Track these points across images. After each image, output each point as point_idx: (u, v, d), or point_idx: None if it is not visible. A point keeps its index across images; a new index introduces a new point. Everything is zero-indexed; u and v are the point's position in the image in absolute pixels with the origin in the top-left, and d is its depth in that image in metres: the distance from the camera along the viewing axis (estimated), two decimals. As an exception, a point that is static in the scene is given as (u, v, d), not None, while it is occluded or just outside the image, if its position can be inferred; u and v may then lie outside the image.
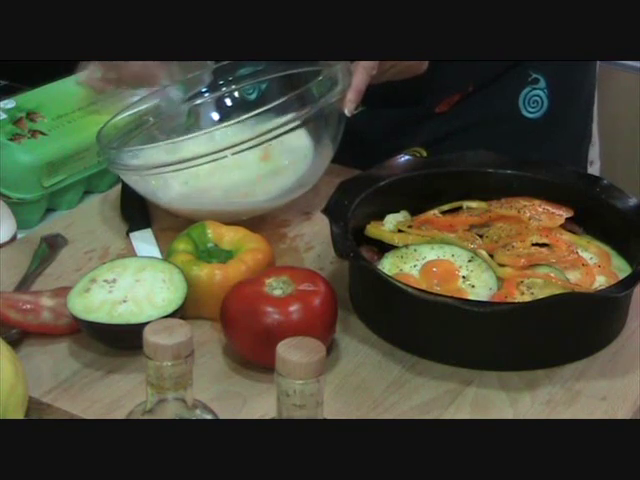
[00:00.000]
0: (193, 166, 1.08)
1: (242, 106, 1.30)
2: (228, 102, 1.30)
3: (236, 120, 1.09)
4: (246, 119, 1.08)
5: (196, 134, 1.12)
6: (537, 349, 0.97)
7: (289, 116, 1.08)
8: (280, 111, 1.09)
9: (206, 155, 1.07)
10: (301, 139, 1.16)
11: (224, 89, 1.29)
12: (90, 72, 1.26)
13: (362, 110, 1.23)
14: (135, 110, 1.23)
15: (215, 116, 1.29)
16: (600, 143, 1.49)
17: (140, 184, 1.15)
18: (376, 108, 1.30)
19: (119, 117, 1.21)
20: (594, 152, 1.46)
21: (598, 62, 1.43)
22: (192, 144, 1.10)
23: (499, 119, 1.32)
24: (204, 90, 1.29)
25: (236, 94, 1.30)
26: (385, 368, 0.97)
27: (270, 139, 1.07)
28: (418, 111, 1.31)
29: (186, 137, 1.12)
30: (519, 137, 1.33)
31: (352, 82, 1.13)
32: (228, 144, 1.07)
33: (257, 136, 1.07)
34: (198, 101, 1.28)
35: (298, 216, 1.20)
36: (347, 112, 1.14)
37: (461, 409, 0.92)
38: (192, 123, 1.27)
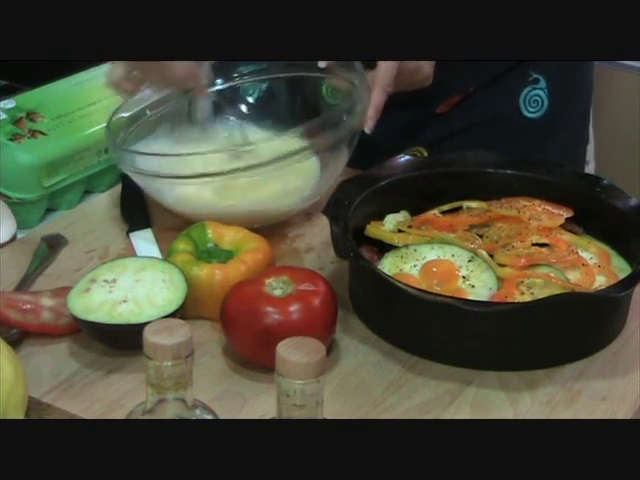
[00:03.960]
0: (206, 182, 1.08)
1: (242, 104, 1.30)
2: (227, 98, 1.30)
3: (260, 141, 1.10)
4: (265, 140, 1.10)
5: (211, 151, 1.13)
6: (537, 349, 0.97)
7: (310, 141, 1.09)
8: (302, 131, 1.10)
9: (221, 174, 1.07)
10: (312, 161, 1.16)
11: (223, 85, 1.29)
12: (113, 72, 1.19)
13: None
14: (142, 106, 1.23)
15: (212, 112, 1.29)
16: (595, 143, 1.49)
17: (148, 184, 1.15)
18: None
19: (124, 111, 1.21)
20: (589, 152, 1.47)
21: (596, 62, 1.43)
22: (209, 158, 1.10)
23: (500, 119, 1.32)
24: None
25: (235, 90, 1.30)
26: (385, 368, 0.97)
27: (289, 163, 1.08)
28: (419, 112, 1.32)
29: (202, 152, 1.12)
30: (520, 137, 1.33)
31: (371, 100, 1.14)
32: (245, 164, 1.07)
33: (275, 159, 1.07)
34: (197, 95, 1.28)
35: (298, 216, 1.20)
36: (367, 130, 1.15)
37: (461, 409, 0.92)
38: (190, 117, 1.27)
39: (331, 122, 1.12)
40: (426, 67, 1.19)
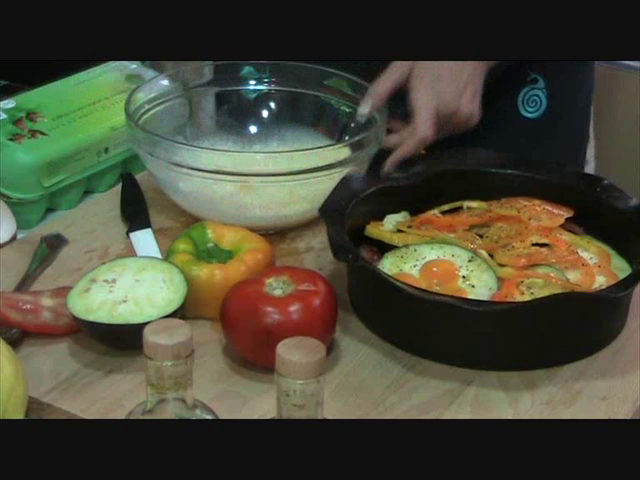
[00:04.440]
0: (225, 180, 1.10)
1: (242, 103, 1.30)
2: (228, 98, 1.30)
3: (281, 151, 1.12)
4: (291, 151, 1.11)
5: (229, 150, 1.16)
6: (537, 349, 0.97)
7: (331, 160, 1.10)
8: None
9: (237, 174, 1.09)
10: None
11: (226, 86, 1.30)
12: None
13: None
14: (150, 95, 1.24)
15: (214, 110, 1.30)
16: (596, 143, 1.49)
17: (163, 174, 1.15)
18: None
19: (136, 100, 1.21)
20: (589, 152, 1.46)
21: (596, 62, 1.43)
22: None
23: (498, 118, 1.32)
24: (205, 82, 1.29)
25: (236, 89, 1.31)
26: (385, 368, 0.97)
27: (311, 177, 1.10)
28: None
29: (226, 150, 1.15)
30: (518, 136, 1.33)
31: (404, 146, 1.13)
32: (261, 171, 1.09)
33: (297, 172, 1.09)
34: (199, 93, 1.29)
35: (298, 216, 1.20)
36: (383, 172, 1.13)
37: (461, 409, 0.92)
38: (192, 114, 1.28)
39: (361, 144, 1.13)
40: (464, 108, 1.15)
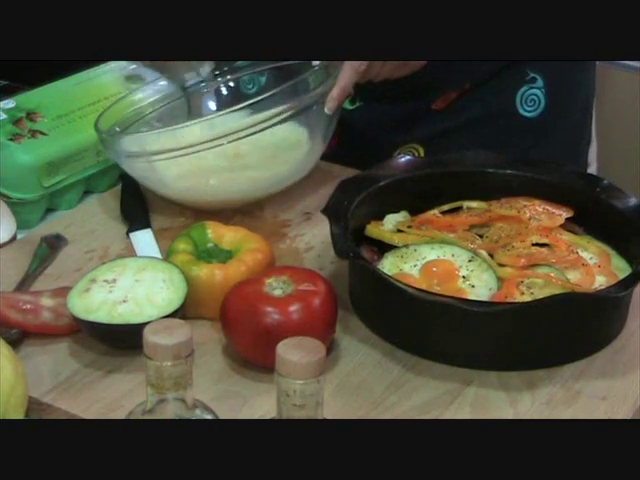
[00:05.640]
0: (189, 153, 1.10)
1: (241, 98, 1.31)
2: (227, 94, 1.30)
3: (234, 108, 1.10)
4: (243, 108, 1.10)
5: (195, 121, 1.14)
6: (537, 349, 0.97)
7: (281, 107, 1.09)
8: (276, 102, 1.09)
9: (200, 144, 1.09)
10: (292, 128, 1.17)
11: (222, 79, 1.30)
12: None
13: (359, 106, 1.22)
14: (134, 99, 1.24)
15: (214, 107, 1.30)
16: (598, 144, 1.48)
17: (139, 171, 1.15)
18: (372, 103, 1.30)
19: (116, 105, 1.22)
20: (592, 153, 1.46)
21: (597, 62, 1.43)
22: (192, 131, 1.12)
23: (496, 117, 1.32)
24: (202, 80, 1.29)
25: (234, 85, 1.31)
26: (385, 368, 0.97)
27: (261, 130, 1.09)
28: (414, 107, 1.31)
29: (185, 124, 1.14)
30: (516, 135, 1.33)
31: (338, 80, 1.13)
32: (222, 133, 1.09)
33: (249, 126, 1.08)
34: (197, 92, 1.29)
35: (298, 216, 1.20)
36: (327, 110, 1.14)
37: (461, 409, 0.92)
38: (192, 113, 1.28)
39: (302, 89, 1.13)
40: None
